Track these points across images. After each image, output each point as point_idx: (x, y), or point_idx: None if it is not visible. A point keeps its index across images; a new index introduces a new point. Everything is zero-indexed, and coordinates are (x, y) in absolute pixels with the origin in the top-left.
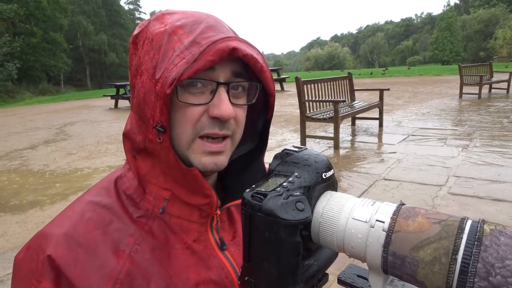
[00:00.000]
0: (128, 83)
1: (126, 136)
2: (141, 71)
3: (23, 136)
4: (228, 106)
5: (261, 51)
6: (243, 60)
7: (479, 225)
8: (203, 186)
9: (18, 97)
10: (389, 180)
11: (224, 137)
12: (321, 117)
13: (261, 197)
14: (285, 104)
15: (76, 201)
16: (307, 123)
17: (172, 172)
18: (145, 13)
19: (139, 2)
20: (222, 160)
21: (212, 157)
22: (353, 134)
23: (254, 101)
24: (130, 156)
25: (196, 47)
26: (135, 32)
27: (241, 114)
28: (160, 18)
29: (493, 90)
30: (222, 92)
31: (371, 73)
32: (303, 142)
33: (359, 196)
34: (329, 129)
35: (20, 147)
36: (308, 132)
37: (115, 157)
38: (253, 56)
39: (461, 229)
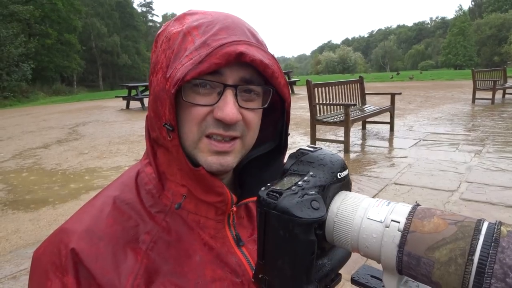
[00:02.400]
0: (140, 84)
1: (148, 130)
2: (157, 69)
3: (37, 135)
4: (232, 110)
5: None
6: (252, 65)
7: (496, 227)
8: (213, 185)
9: (32, 97)
10: (400, 184)
11: (232, 138)
12: (332, 120)
13: (277, 195)
14: (295, 107)
15: (96, 197)
16: (318, 126)
17: (185, 170)
18: (157, 15)
19: (151, 4)
20: (228, 161)
21: (218, 157)
22: (364, 138)
23: (266, 105)
24: (152, 152)
25: (205, 48)
26: (159, 31)
27: (252, 117)
28: (181, 18)
29: (507, 96)
30: (229, 95)
31: (392, 77)
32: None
33: (379, 198)
34: (340, 133)
35: (34, 146)
36: (318, 135)
37: (126, 157)
38: (263, 61)
39: (477, 230)
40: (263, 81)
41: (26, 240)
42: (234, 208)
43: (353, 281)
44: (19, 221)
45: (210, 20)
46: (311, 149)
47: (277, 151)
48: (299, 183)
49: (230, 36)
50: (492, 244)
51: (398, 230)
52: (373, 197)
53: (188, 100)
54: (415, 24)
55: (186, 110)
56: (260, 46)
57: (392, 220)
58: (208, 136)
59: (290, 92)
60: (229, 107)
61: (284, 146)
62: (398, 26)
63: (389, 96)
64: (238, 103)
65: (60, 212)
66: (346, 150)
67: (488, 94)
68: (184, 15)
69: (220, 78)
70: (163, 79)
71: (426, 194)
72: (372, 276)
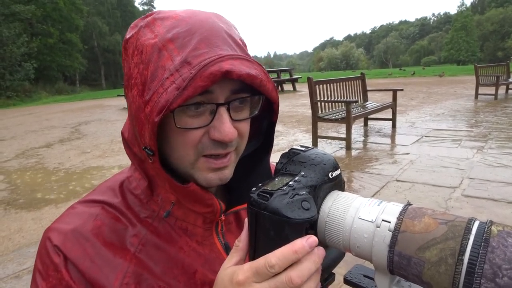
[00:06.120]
0: None
1: (126, 142)
2: (131, 85)
3: (39, 134)
4: (230, 129)
5: (263, 57)
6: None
7: (486, 226)
8: (203, 197)
9: (35, 96)
10: (402, 181)
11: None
12: (333, 117)
13: (267, 196)
14: (297, 104)
15: (82, 201)
16: (319, 124)
17: (172, 185)
18: None
19: (153, 3)
20: (226, 174)
21: (216, 173)
22: (366, 135)
23: (257, 112)
24: (136, 160)
25: (186, 68)
26: (127, 35)
27: (245, 127)
28: (151, 24)
29: (510, 91)
30: (223, 113)
31: (413, 73)
32: (314, 142)
33: (371, 198)
34: (341, 130)
35: (36, 145)
36: (320, 132)
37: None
38: (250, 74)
39: (468, 230)
40: (251, 88)
41: (29, 239)
42: (223, 217)
43: (346, 280)
44: (21, 220)
45: (185, 29)
46: (303, 148)
47: (262, 151)
48: (290, 183)
49: (212, 49)
50: (482, 244)
51: (389, 230)
52: (374, 194)
53: (181, 126)
54: (417, 19)
55: (179, 135)
56: (243, 54)
57: (383, 220)
58: (205, 156)
59: (278, 95)
60: (226, 127)
61: (269, 145)
62: (401, 22)
63: (391, 93)
64: (231, 118)
65: (63, 211)
66: (348, 147)
67: (491, 90)
68: (154, 21)
69: (211, 96)
70: (139, 98)
71: (428, 191)
72: (364, 276)
